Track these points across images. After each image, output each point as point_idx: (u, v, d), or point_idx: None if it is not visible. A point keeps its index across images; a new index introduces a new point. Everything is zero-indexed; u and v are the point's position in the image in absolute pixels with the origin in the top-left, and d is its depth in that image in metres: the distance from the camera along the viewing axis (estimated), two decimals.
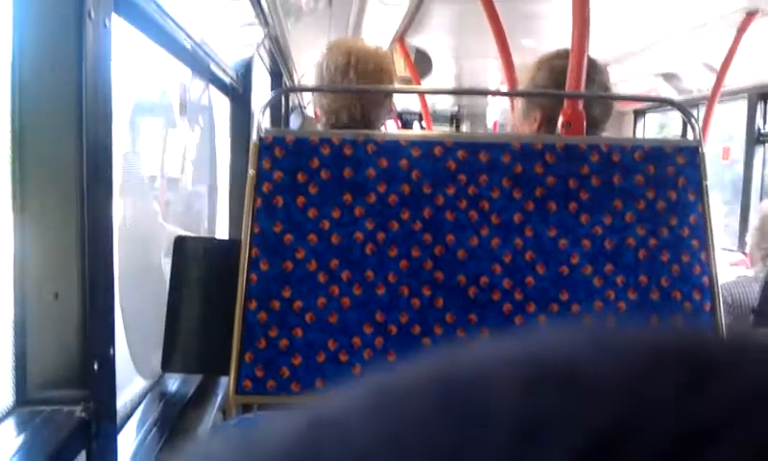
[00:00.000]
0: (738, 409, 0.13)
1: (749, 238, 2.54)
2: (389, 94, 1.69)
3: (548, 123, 1.59)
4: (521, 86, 1.73)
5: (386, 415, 0.15)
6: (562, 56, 1.61)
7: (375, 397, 0.16)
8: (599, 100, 1.60)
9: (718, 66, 3.51)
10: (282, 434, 0.16)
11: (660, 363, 0.15)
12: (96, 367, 1.09)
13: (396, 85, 1.97)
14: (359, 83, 1.59)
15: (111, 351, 1.17)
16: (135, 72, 1.75)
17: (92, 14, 1.09)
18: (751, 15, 3.09)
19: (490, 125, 7.43)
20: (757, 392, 0.14)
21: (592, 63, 1.60)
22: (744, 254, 4.05)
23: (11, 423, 1.05)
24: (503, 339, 0.17)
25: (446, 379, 0.16)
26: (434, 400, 0.15)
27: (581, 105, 1.53)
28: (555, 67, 1.60)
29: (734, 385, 0.14)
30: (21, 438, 1.00)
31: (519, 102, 1.70)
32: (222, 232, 2.79)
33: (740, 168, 4.33)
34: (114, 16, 1.23)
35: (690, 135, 1.50)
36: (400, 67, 4.04)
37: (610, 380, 0.15)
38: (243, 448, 0.17)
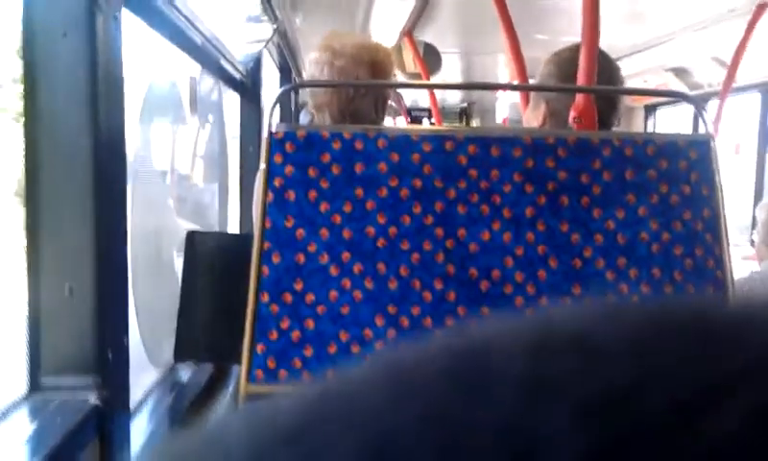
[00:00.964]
0: (742, 372, 0.14)
1: (756, 235, 2.52)
2: (375, 89, 1.67)
3: (553, 116, 1.59)
4: (537, 82, 1.73)
5: (395, 382, 0.16)
6: (572, 48, 1.60)
7: (384, 368, 0.16)
8: (604, 96, 1.59)
9: (729, 60, 3.49)
10: (292, 404, 0.16)
11: (666, 328, 0.15)
12: (110, 355, 1.10)
13: (404, 81, 1.97)
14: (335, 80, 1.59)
15: (125, 340, 1.18)
16: (146, 68, 1.75)
17: (103, 7, 1.10)
18: (762, 8, 3.07)
19: (499, 121, 7.43)
20: (761, 356, 0.14)
21: (606, 59, 1.59)
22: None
23: (25, 409, 1.05)
24: (510, 316, 0.17)
25: (455, 348, 0.16)
26: (442, 367, 0.15)
27: (592, 99, 1.52)
28: (563, 59, 1.59)
29: (739, 349, 0.14)
30: (35, 424, 1.01)
31: (530, 97, 1.70)
32: (233, 227, 2.80)
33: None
34: (124, 12, 1.23)
35: (702, 130, 1.49)
36: (410, 63, 4.03)
37: (615, 343, 0.15)
38: (253, 418, 0.17)
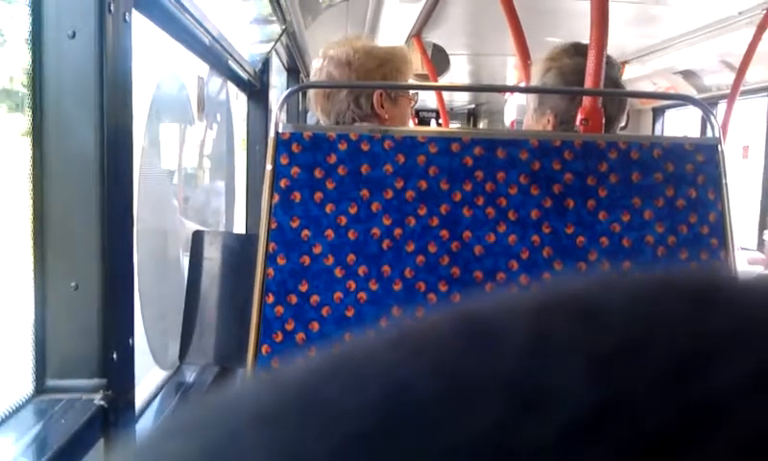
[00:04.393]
0: (741, 332, 0.14)
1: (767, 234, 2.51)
2: (352, 93, 1.70)
3: (561, 125, 1.58)
4: (532, 84, 1.72)
5: (405, 342, 0.16)
6: (570, 53, 1.60)
7: (394, 331, 0.17)
8: (613, 98, 1.58)
9: (738, 64, 3.48)
10: (306, 364, 0.17)
11: (667, 292, 0.16)
12: (115, 356, 1.10)
13: (412, 82, 1.97)
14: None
15: (130, 341, 1.18)
16: (154, 67, 1.76)
17: (112, 8, 1.10)
18: None
19: (507, 123, 7.44)
20: (760, 318, 0.15)
21: (607, 60, 1.58)
22: (763, 252, 4.02)
23: (30, 410, 1.06)
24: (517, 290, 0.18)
25: (463, 313, 0.17)
26: (451, 329, 0.16)
27: (600, 102, 1.52)
28: (564, 68, 1.58)
29: (739, 312, 0.15)
30: (40, 425, 1.02)
31: (531, 103, 1.69)
32: (239, 227, 2.81)
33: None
34: (134, 12, 1.24)
35: (710, 133, 1.48)
36: (418, 64, 4.03)
37: (619, 305, 0.15)
38: (264, 379, 0.17)
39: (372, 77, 1.67)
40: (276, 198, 1.34)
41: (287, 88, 3.55)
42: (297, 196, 1.34)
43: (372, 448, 0.14)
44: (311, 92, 1.73)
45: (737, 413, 0.13)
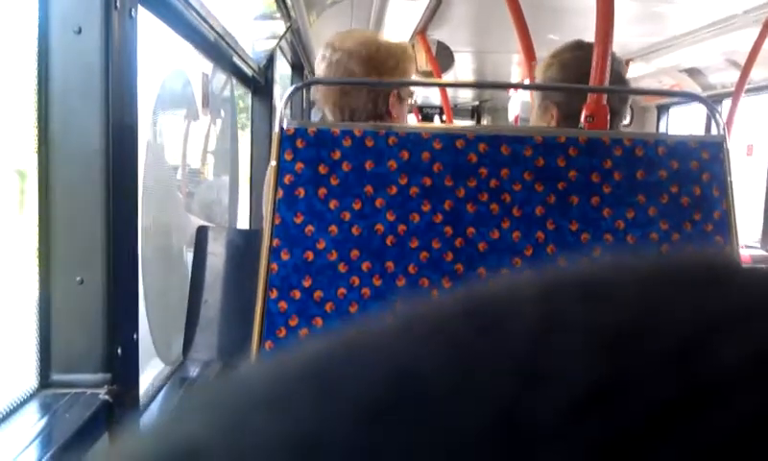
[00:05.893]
0: (742, 314, 0.14)
1: None
2: (373, 91, 1.67)
3: (564, 120, 1.58)
4: (537, 83, 1.72)
5: (414, 323, 0.16)
6: (571, 48, 1.59)
7: (403, 314, 0.17)
8: (617, 93, 1.58)
9: (743, 61, 3.47)
10: (314, 346, 0.17)
11: (671, 274, 0.16)
12: (119, 351, 1.11)
13: (416, 79, 1.96)
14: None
15: (135, 336, 1.18)
16: (160, 64, 1.76)
17: (118, 4, 1.10)
18: None
19: (511, 119, 7.43)
20: (760, 300, 0.15)
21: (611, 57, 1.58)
22: (766, 251, 4.01)
23: (34, 405, 1.06)
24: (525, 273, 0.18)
25: (471, 296, 0.17)
26: (459, 310, 0.16)
27: (604, 99, 1.52)
28: (565, 62, 1.58)
29: (739, 294, 0.15)
30: (45, 420, 1.02)
31: (535, 99, 1.69)
32: (243, 223, 2.81)
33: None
34: (140, 8, 1.24)
35: (715, 131, 1.48)
36: (422, 61, 4.03)
37: (623, 287, 0.16)
38: (274, 360, 0.17)
39: (392, 76, 1.65)
40: (281, 193, 1.34)
41: (291, 85, 3.55)
42: (301, 192, 1.34)
43: (381, 428, 0.14)
44: (322, 85, 1.71)
45: (737, 393, 0.13)
